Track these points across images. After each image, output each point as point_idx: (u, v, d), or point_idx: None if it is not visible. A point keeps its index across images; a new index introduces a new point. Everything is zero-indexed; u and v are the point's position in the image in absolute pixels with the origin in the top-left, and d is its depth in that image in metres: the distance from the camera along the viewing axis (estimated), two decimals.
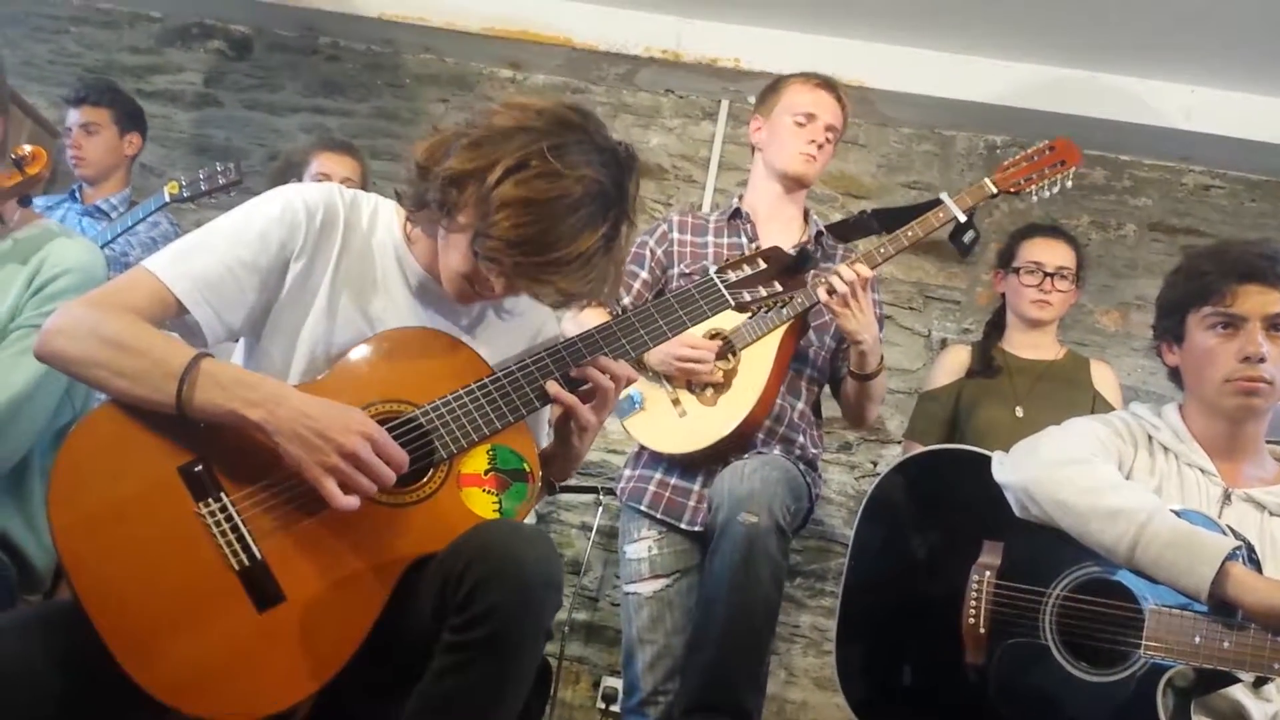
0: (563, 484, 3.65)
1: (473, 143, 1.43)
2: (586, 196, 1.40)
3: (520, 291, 1.48)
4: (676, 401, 2.41)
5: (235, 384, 1.37)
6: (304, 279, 1.52)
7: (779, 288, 1.67)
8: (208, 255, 1.47)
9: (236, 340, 1.58)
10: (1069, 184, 2.50)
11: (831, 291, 2.28)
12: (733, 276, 1.65)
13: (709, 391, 2.38)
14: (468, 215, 1.42)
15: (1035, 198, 2.51)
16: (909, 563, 2.02)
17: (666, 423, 2.41)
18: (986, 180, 2.47)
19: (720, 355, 2.39)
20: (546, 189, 1.38)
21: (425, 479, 1.46)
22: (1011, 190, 2.49)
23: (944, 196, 2.44)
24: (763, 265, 1.66)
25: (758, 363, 2.37)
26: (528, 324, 1.69)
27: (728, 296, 1.63)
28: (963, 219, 2.42)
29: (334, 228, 1.55)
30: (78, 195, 3.46)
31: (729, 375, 2.38)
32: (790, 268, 1.68)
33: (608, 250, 1.44)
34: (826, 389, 2.62)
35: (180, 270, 1.45)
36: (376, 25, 4.06)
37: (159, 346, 1.38)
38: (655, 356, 2.38)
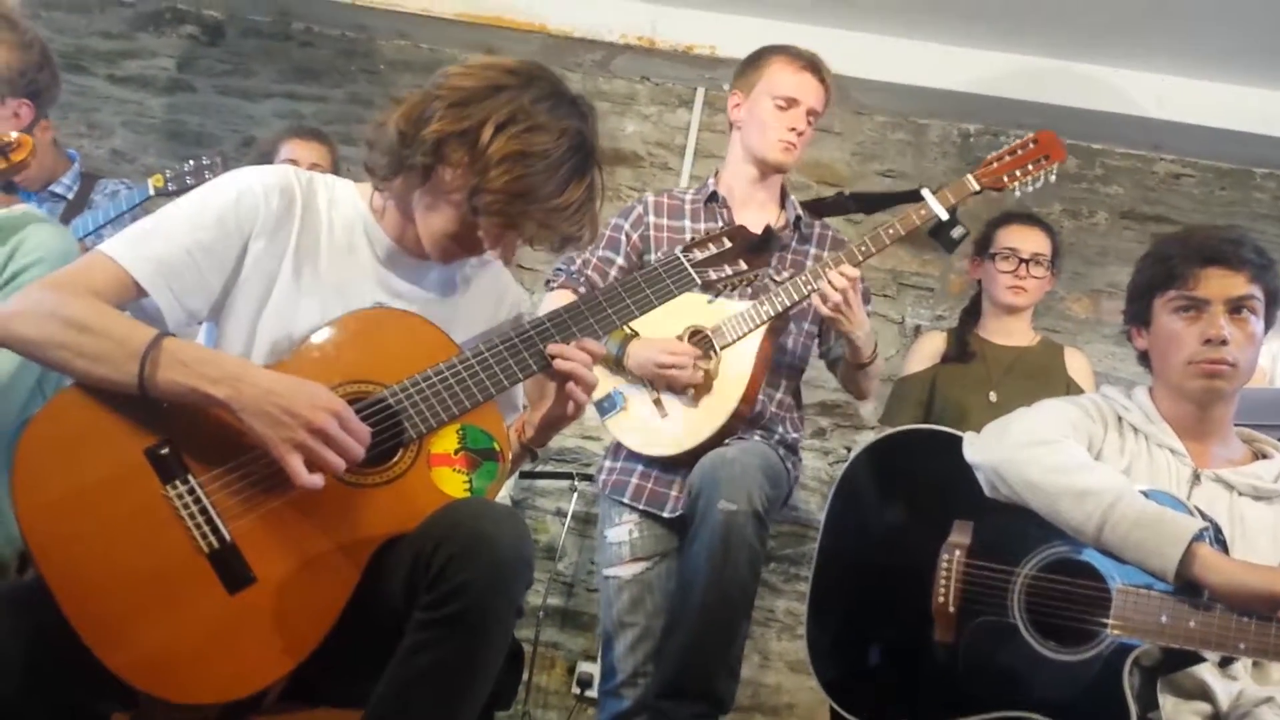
0: (538, 469, 3.68)
1: (453, 104, 1.48)
2: (571, 147, 1.49)
3: (516, 239, 1.54)
4: (658, 402, 2.39)
5: (198, 362, 1.36)
6: (264, 259, 1.52)
7: (744, 266, 1.70)
8: (166, 239, 1.46)
9: (200, 324, 1.57)
10: (1052, 179, 2.46)
11: (825, 299, 2.28)
12: (699, 255, 1.66)
13: (690, 392, 2.35)
14: (460, 174, 1.48)
15: (1018, 193, 2.48)
16: (880, 542, 2.03)
17: (649, 424, 2.39)
18: (969, 176, 2.43)
19: (701, 355, 2.36)
20: (539, 141, 1.46)
21: (395, 459, 1.46)
22: (994, 187, 2.45)
23: (925, 193, 2.40)
24: (728, 244, 1.68)
25: (739, 363, 2.35)
26: (492, 286, 1.72)
27: (694, 275, 1.64)
28: (945, 217, 2.39)
29: (291, 207, 1.55)
30: (15, 186, 3.26)
31: (709, 376, 2.35)
32: (755, 247, 1.70)
33: (591, 196, 1.53)
34: (807, 374, 2.62)
35: (139, 253, 1.44)
36: (350, 11, 4.03)
37: (121, 327, 1.37)
38: (635, 361, 2.36)
